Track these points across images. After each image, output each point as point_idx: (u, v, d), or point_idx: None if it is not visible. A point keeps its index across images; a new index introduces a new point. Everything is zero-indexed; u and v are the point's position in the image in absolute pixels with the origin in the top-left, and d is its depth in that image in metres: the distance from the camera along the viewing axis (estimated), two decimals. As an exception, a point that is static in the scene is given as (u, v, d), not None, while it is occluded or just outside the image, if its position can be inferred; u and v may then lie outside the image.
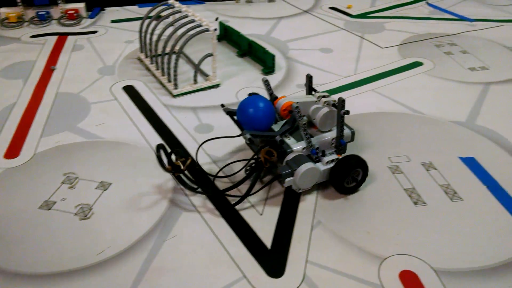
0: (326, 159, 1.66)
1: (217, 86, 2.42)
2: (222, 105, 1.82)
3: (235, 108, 1.76)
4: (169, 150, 1.70)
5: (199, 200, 1.67)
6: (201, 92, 2.36)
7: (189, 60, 2.66)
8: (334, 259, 1.45)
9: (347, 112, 1.60)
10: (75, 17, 3.23)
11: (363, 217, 1.61)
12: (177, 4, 2.53)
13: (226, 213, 1.62)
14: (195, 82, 2.37)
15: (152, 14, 2.55)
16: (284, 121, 1.74)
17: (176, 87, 2.31)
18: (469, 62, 2.73)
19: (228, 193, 1.67)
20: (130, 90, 2.36)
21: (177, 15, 2.48)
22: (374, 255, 1.47)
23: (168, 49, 2.42)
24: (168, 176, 1.77)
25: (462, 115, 2.20)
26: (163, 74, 2.42)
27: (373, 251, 1.48)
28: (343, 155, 1.68)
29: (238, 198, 1.63)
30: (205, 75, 2.48)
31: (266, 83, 1.84)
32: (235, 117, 1.78)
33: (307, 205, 1.66)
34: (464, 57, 2.79)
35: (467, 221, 1.60)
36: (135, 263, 1.43)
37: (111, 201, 1.66)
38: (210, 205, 1.65)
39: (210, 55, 2.33)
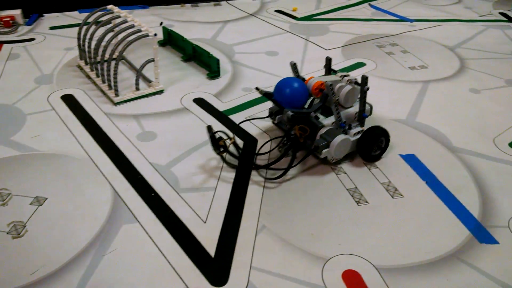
0: (353, 131, 1.84)
1: (160, 92, 2.36)
2: (257, 88, 1.93)
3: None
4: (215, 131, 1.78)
5: (140, 211, 1.62)
6: (144, 99, 2.30)
7: (131, 67, 2.60)
8: (278, 263, 1.45)
9: (368, 88, 1.83)
10: (11, 24, 3.08)
11: (307, 219, 1.62)
12: (116, 9, 2.46)
13: (168, 223, 1.57)
14: (137, 88, 2.31)
15: (91, 19, 2.46)
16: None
17: (117, 94, 2.24)
18: (409, 62, 2.81)
19: (272, 166, 1.79)
20: (69, 99, 2.27)
21: (117, 21, 2.41)
22: (317, 257, 1.47)
23: (107, 56, 2.35)
24: (107, 188, 1.71)
25: (403, 113, 2.26)
26: (103, 82, 2.34)
27: (317, 253, 1.48)
28: (367, 127, 1.86)
29: (279, 172, 1.76)
30: (148, 81, 2.43)
31: (294, 66, 2.00)
32: (272, 98, 1.92)
33: (251, 210, 1.64)
34: (405, 57, 2.87)
35: (407, 217, 1.64)
36: (71, 281, 1.36)
37: (47, 217, 1.58)
38: (152, 216, 1.60)
39: (152, 60, 2.28)
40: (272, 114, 2.02)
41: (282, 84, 1.89)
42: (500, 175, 1.87)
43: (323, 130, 1.81)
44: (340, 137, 1.76)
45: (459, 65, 2.80)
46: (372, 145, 1.84)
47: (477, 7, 3.89)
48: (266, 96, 1.94)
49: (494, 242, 1.54)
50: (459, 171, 1.88)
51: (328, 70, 2.06)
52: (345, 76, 1.86)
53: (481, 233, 1.57)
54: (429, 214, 1.65)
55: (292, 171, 1.82)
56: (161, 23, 3.09)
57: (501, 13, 3.77)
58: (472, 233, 1.57)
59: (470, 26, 3.46)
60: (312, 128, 1.82)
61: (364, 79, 1.79)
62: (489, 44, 3.13)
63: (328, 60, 2.05)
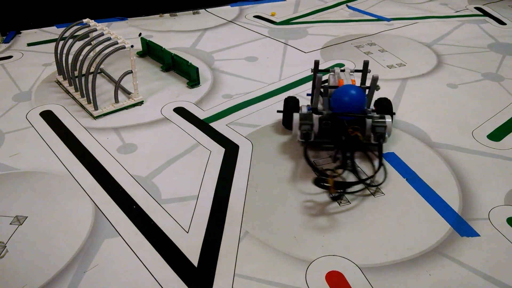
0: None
1: (140, 103, 2.36)
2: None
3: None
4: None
5: (122, 225, 1.61)
6: (124, 111, 2.30)
7: (110, 79, 2.59)
8: (262, 269, 1.44)
9: (378, 87, 1.99)
10: (-13, 43, 3.06)
11: (289, 222, 1.62)
12: (92, 22, 2.45)
13: (150, 235, 1.57)
14: (117, 101, 2.30)
15: (68, 34, 2.45)
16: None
17: (96, 108, 2.23)
18: (387, 60, 2.84)
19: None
20: (48, 116, 2.26)
21: (94, 34, 2.40)
22: (301, 260, 1.47)
23: (85, 70, 2.34)
24: (88, 202, 1.70)
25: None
26: (82, 96, 2.33)
27: (300, 256, 1.49)
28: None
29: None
30: (127, 93, 2.42)
31: (317, 64, 2.07)
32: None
33: (234, 216, 1.64)
34: (383, 56, 2.90)
35: (389, 215, 1.65)
36: (53, 299, 1.35)
37: (27, 236, 1.56)
38: (133, 228, 1.59)
39: (130, 72, 2.28)
40: (308, 135, 1.90)
41: (352, 93, 1.86)
42: (480, 167, 1.89)
43: (369, 123, 1.88)
44: (389, 119, 1.89)
45: (436, 61, 2.83)
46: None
47: (452, 3, 3.94)
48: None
49: (475, 234, 1.56)
50: (439, 166, 1.89)
51: (316, 73, 2.05)
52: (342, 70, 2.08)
53: (462, 226, 1.59)
54: (410, 210, 1.67)
55: (271, 177, 1.83)
56: (139, 34, 3.09)
57: (477, 8, 3.82)
58: (453, 227, 1.58)
59: (446, 22, 3.50)
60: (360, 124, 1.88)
61: (375, 79, 1.92)
62: (466, 39, 3.17)
63: (316, 64, 2.07)
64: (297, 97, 2.14)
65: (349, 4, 3.93)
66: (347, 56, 2.89)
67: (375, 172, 1.80)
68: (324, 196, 1.73)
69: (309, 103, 2.15)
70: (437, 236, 1.56)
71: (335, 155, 1.91)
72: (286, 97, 2.13)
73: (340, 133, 1.88)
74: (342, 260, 1.47)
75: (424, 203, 1.70)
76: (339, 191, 1.69)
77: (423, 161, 1.92)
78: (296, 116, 1.91)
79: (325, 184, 1.67)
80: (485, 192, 1.75)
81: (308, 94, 2.24)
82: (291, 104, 2.07)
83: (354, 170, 1.83)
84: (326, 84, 2.03)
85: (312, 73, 2.09)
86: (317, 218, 1.63)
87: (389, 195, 1.74)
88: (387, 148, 2.00)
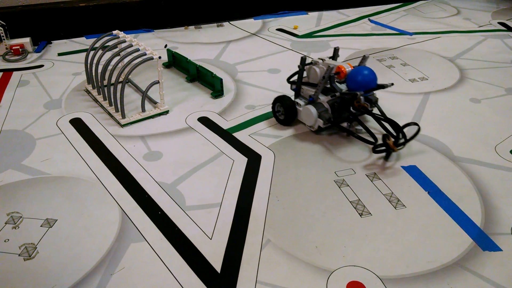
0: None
1: (166, 112, 2.42)
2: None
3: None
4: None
5: (147, 230, 1.66)
6: (150, 120, 2.36)
7: (137, 89, 2.67)
8: (284, 277, 1.47)
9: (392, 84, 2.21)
10: (20, 52, 3.19)
11: (311, 232, 1.64)
12: (121, 34, 2.54)
13: (175, 241, 1.61)
14: (143, 110, 2.37)
15: (97, 45, 2.55)
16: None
17: (123, 116, 2.31)
18: (409, 74, 2.85)
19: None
20: (77, 123, 2.34)
21: (123, 45, 2.49)
22: (322, 269, 1.49)
23: (114, 79, 2.42)
24: (115, 208, 1.75)
25: (404, 125, 2.28)
26: (110, 105, 2.41)
27: (321, 265, 1.51)
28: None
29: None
30: (153, 102, 2.49)
31: (336, 50, 2.36)
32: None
33: (256, 224, 1.67)
34: (405, 69, 2.91)
35: (410, 227, 1.66)
36: (81, 300, 1.40)
37: (57, 238, 1.62)
38: (158, 234, 1.64)
39: (157, 82, 2.35)
40: (330, 119, 2.16)
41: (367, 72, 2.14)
42: (503, 182, 1.89)
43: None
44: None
45: (459, 75, 2.83)
46: None
47: (476, 18, 3.93)
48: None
49: (497, 249, 1.55)
50: (461, 181, 1.89)
51: (303, 67, 2.28)
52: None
53: (484, 240, 1.58)
54: (431, 223, 1.67)
55: (293, 187, 1.86)
56: (165, 46, 3.18)
57: (500, 23, 3.81)
58: (475, 241, 1.59)
59: (469, 36, 3.50)
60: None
61: (365, 58, 2.26)
62: (489, 53, 3.16)
63: (303, 59, 2.24)
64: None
65: (371, 18, 3.96)
66: (369, 69, 2.92)
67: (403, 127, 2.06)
68: (346, 206, 1.75)
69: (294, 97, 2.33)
70: (459, 250, 1.56)
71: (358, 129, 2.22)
72: (277, 96, 2.30)
73: (349, 109, 2.15)
74: (363, 271, 1.48)
75: (446, 217, 1.70)
76: (399, 147, 1.98)
77: (445, 175, 1.93)
78: (312, 108, 2.13)
79: (384, 144, 1.97)
80: (508, 207, 1.75)
81: (294, 89, 2.33)
82: (287, 102, 2.24)
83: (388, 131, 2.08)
84: (334, 74, 2.18)
85: (299, 68, 2.25)
86: (338, 228, 1.65)
87: (410, 208, 1.75)
88: (408, 160, 2.01)
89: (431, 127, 2.26)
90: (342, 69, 2.14)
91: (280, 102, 2.27)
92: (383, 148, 1.99)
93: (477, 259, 1.52)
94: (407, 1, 4.43)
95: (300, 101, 2.24)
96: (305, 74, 2.30)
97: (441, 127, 2.27)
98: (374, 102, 2.21)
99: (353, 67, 2.17)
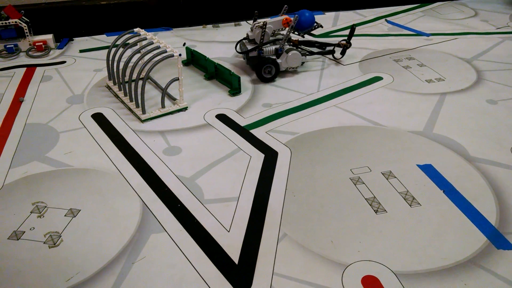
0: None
1: (185, 109, 2.48)
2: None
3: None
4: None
5: (167, 222, 1.71)
6: (169, 116, 2.42)
7: (157, 86, 2.73)
8: (300, 270, 1.51)
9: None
10: (43, 48, 3.27)
11: (326, 227, 1.67)
12: (142, 32, 2.60)
13: (194, 232, 1.66)
14: (163, 106, 2.43)
15: (119, 42, 2.61)
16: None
17: (144, 112, 2.36)
18: (426, 75, 2.86)
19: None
20: (98, 118, 2.40)
21: (143, 43, 2.55)
22: (337, 263, 1.53)
23: (135, 76, 2.48)
24: (136, 200, 1.81)
25: (420, 125, 2.30)
26: (131, 100, 2.47)
27: (337, 259, 1.54)
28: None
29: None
30: (173, 99, 2.54)
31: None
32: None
33: (273, 219, 1.71)
34: (421, 70, 2.93)
35: (425, 224, 1.68)
36: (104, 287, 1.45)
37: (80, 227, 1.68)
38: (178, 225, 1.69)
39: (176, 79, 2.40)
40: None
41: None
42: (518, 183, 1.90)
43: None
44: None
45: (476, 77, 2.83)
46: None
47: (493, 20, 3.92)
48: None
49: (511, 247, 1.57)
50: (476, 180, 1.91)
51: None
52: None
53: (498, 239, 1.60)
54: (446, 222, 1.69)
55: (309, 183, 1.89)
56: (184, 44, 3.23)
57: (519, 25, 3.79)
58: (489, 239, 1.60)
59: (486, 38, 3.49)
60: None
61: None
62: (506, 55, 3.15)
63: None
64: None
65: (388, 18, 3.97)
66: (386, 69, 2.94)
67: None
68: (361, 203, 1.78)
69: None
70: (473, 248, 1.58)
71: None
72: (260, 61, 2.71)
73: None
74: (377, 266, 1.51)
75: (461, 215, 1.72)
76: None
77: (461, 174, 1.94)
78: (296, 51, 2.79)
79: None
80: (523, 208, 1.76)
81: (259, 52, 2.76)
82: (271, 60, 2.73)
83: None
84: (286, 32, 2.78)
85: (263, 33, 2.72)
86: (353, 224, 1.68)
87: (425, 206, 1.77)
88: (424, 159, 2.03)
89: (447, 127, 2.28)
90: (288, 19, 2.76)
91: (268, 63, 2.71)
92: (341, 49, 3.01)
93: (491, 257, 1.54)
94: (425, 2, 4.43)
95: (273, 56, 2.77)
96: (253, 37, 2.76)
97: (457, 127, 2.29)
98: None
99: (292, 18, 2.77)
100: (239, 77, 2.62)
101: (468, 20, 3.93)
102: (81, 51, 3.31)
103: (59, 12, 3.53)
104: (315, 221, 1.70)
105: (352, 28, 3.03)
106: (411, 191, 1.84)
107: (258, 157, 2.07)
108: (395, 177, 1.93)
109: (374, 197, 1.82)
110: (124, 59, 2.53)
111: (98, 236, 1.65)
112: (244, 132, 2.27)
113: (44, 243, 1.62)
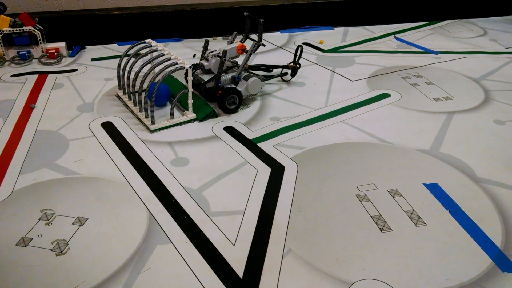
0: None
1: (193, 120, 2.50)
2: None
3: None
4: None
5: (173, 233, 1.72)
6: (178, 127, 2.44)
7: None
8: (304, 286, 1.51)
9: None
10: (55, 56, 3.32)
11: (331, 244, 1.68)
12: (154, 43, 2.64)
13: (199, 245, 1.67)
14: (172, 117, 2.45)
15: (130, 52, 2.65)
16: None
17: (153, 122, 2.39)
18: (434, 93, 2.88)
19: None
20: (108, 127, 2.43)
21: (154, 54, 2.59)
22: (342, 281, 1.53)
23: (145, 86, 2.51)
24: (143, 210, 1.82)
25: (427, 143, 2.31)
26: (140, 110, 2.50)
27: (341, 277, 1.54)
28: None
29: None
30: (182, 110, 2.57)
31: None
32: None
33: (278, 233, 1.72)
34: (429, 88, 2.94)
35: (430, 244, 1.68)
36: (109, 296, 1.46)
37: (87, 236, 1.70)
38: (184, 237, 1.70)
39: (186, 91, 2.43)
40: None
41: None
42: (525, 205, 1.90)
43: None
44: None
45: (483, 96, 2.84)
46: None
47: (502, 39, 3.93)
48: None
49: (517, 271, 1.57)
50: (482, 201, 1.91)
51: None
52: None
53: (503, 261, 1.60)
54: (451, 242, 1.69)
55: (315, 199, 1.90)
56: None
57: (528, 45, 3.80)
58: (495, 261, 1.60)
59: (495, 58, 3.50)
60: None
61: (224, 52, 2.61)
62: (515, 76, 3.16)
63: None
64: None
65: (397, 35, 4.00)
66: (394, 86, 2.95)
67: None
68: (366, 221, 1.78)
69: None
70: (478, 270, 1.58)
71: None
72: (223, 92, 2.53)
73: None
74: (382, 285, 1.51)
75: (466, 236, 1.72)
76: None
77: (467, 195, 1.95)
78: (256, 79, 2.67)
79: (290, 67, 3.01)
80: (529, 230, 1.76)
81: (218, 82, 2.62)
82: (235, 90, 2.57)
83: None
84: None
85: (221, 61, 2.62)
86: (358, 242, 1.69)
87: (431, 225, 1.77)
88: (430, 178, 2.04)
89: (454, 147, 2.29)
90: (243, 46, 2.72)
91: (232, 93, 2.55)
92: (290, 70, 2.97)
93: (496, 279, 1.53)
94: (434, 20, 4.46)
95: (232, 85, 2.63)
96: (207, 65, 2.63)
97: (464, 147, 2.29)
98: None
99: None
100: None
101: (477, 39, 3.95)
102: (92, 59, 3.35)
103: (72, 20, 3.58)
104: (321, 237, 1.71)
105: (299, 48, 2.99)
106: (417, 210, 1.85)
107: (265, 171, 2.08)
108: (401, 195, 1.93)
109: (380, 215, 1.82)
110: (135, 69, 2.56)
111: (104, 245, 1.66)
112: (252, 145, 2.28)
113: (51, 250, 1.63)
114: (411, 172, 2.09)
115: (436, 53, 3.58)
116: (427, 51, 3.62)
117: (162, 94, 2.56)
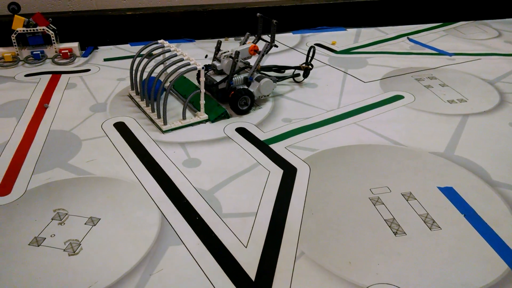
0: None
1: (205, 121, 2.50)
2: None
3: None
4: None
5: (185, 234, 1.71)
6: (190, 128, 2.44)
7: (178, 97, 2.76)
8: (316, 290, 1.50)
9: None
10: (69, 56, 3.34)
11: (344, 247, 1.66)
12: (166, 43, 2.64)
13: (211, 246, 1.66)
14: (184, 118, 2.45)
15: (143, 53, 2.65)
16: None
17: (165, 123, 2.39)
18: (448, 95, 2.84)
19: None
20: (121, 127, 2.44)
21: (167, 54, 2.59)
22: (355, 285, 1.51)
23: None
24: (155, 211, 1.82)
25: (441, 146, 2.28)
26: (153, 111, 2.50)
27: (354, 281, 1.53)
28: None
29: None
30: (194, 111, 2.57)
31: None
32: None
33: (290, 236, 1.71)
34: (443, 90, 2.91)
35: (445, 249, 1.66)
36: (122, 297, 1.46)
37: (100, 236, 1.70)
38: (196, 238, 1.70)
39: (199, 91, 2.42)
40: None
41: None
42: (542, 210, 1.86)
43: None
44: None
45: (499, 99, 2.80)
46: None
47: (518, 41, 3.88)
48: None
49: (534, 278, 1.54)
50: (498, 205, 1.88)
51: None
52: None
53: (520, 268, 1.57)
54: (466, 247, 1.67)
55: (328, 202, 1.89)
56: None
57: (544, 47, 3.74)
58: (510, 267, 1.57)
59: (510, 60, 3.45)
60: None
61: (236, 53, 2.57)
62: (531, 78, 3.11)
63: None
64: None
65: (410, 37, 3.96)
66: (407, 88, 2.92)
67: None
68: (380, 224, 1.76)
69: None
70: (493, 275, 1.55)
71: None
72: (236, 92, 2.52)
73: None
74: (396, 289, 1.49)
75: (481, 241, 1.69)
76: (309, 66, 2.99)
77: (482, 199, 1.92)
78: (269, 79, 2.65)
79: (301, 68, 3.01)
80: (547, 236, 1.72)
81: (231, 83, 2.60)
82: (247, 91, 2.57)
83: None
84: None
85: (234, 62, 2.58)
86: (372, 245, 1.67)
87: (446, 229, 1.75)
88: (445, 182, 2.01)
89: (469, 150, 2.25)
90: (256, 47, 2.69)
91: (244, 94, 2.54)
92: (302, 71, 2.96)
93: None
94: (447, 21, 4.41)
95: (244, 86, 2.62)
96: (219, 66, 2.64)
97: (479, 150, 2.26)
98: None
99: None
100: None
101: (492, 41, 3.90)
102: (105, 59, 3.37)
103: (85, 20, 3.60)
104: (333, 240, 1.69)
105: (311, 49, 2.95)
106: (431, 214, 1.82)
107: (277, 173, 2.07)
108: (415, 199, 1.91)
109: (394, 218, 1.80)
110: (147, 69, 2.57)
111: (117, 246, 1.66)
112: (264, 146, 2.28)
113: (64, 250, 1.64)
114: (425, 175, 2.06)
115: (450, 54, 3.54)
116: (441, 53, 3.58)
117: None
